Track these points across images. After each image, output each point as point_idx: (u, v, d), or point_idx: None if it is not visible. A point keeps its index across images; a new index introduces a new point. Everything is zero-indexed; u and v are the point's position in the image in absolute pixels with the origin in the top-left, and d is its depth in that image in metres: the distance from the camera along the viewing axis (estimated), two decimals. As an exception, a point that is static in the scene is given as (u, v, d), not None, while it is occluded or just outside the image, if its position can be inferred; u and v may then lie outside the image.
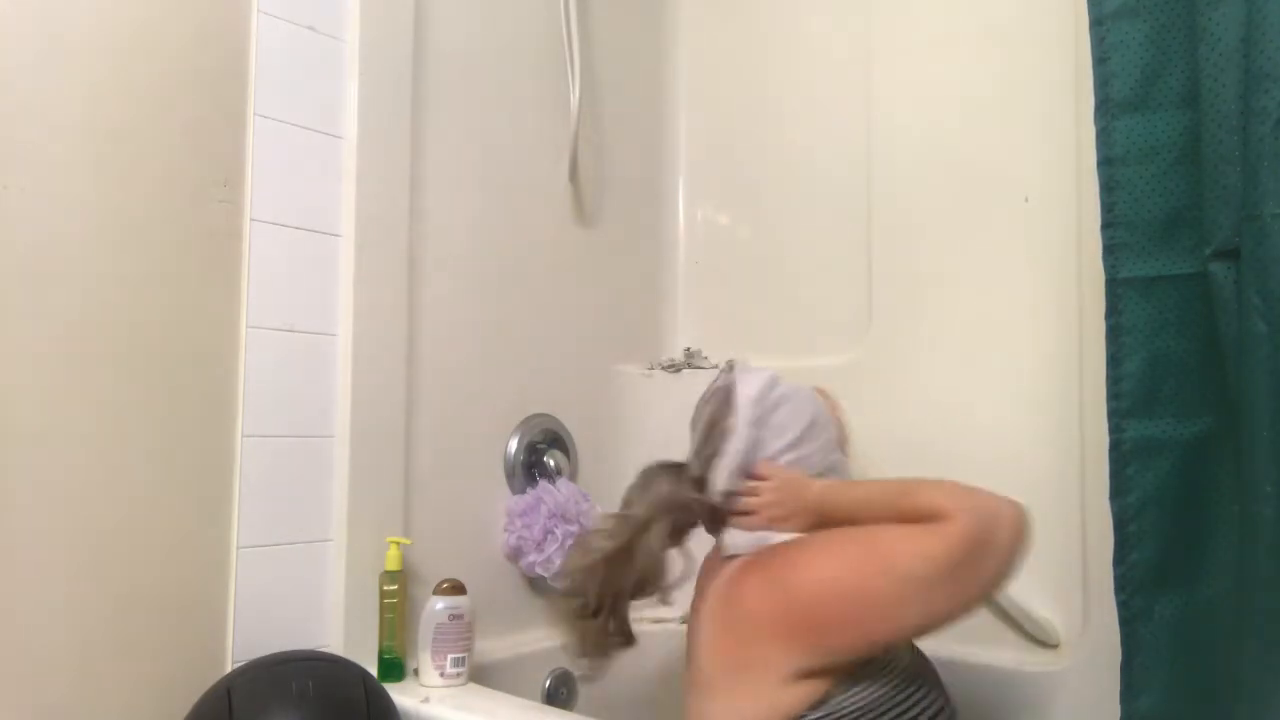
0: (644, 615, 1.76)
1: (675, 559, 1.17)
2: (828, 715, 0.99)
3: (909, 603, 0.97)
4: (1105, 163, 1.08)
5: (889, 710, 1.00)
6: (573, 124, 1.72)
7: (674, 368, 1.90)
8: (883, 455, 1.33)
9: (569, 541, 1.54)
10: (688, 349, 1.92)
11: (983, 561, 0.95)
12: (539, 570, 1.55)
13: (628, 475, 1.66)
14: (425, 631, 1.30)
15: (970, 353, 1.56)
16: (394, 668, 1.31)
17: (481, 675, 1.34)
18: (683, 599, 1.21)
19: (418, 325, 1.47)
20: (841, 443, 1.24)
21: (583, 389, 1.77)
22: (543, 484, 1.60)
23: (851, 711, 0.99)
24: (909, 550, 0.96)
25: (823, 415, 1.21)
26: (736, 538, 1.15)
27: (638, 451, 1.82)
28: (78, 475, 1.11)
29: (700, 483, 1.17)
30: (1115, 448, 1.09)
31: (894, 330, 1.66)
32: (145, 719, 1.15)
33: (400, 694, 1.24)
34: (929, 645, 1.13)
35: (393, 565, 1.34)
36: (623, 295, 1.88)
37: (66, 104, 1.13)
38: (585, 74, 1.73)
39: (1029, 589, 1.44)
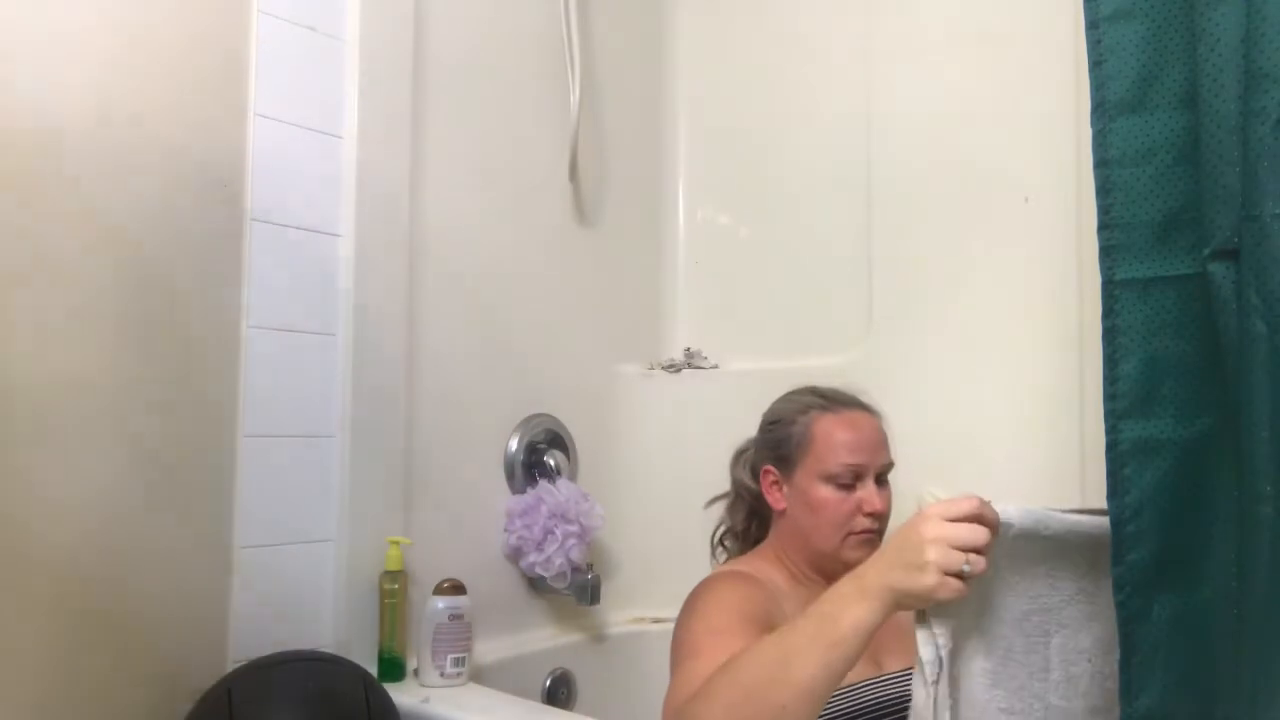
0: (644, 615, 1.77)
1: None
2: None
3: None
4: (1101, 164, 1.08)
5: None
6: (573, 124, 1.72)
7: (674, 368, 1.90)
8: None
9: (569, 541, 1.54)
10: (688, 349, 1.92)
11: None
12: (539, 570, 1.55)
13: (628, 475, 1.66)
14: (425, 631, 1.30)
15: (970, 353, 1.56)
16: (394, 668, 1.32)
17: (481, 675, 1.34)
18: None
19: (418, 325, 1.47)
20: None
21: (583, 389, 1.77)
22: (543, 484, 1.60)
23: None
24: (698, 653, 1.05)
25: None
26: None
27: (638, 451, 1.84)
28: (77, 475, 1.12)
29: None
30: (1112, 448, 1.08)
31: (894, 330, 1.66)
32: (145, 719, 1.15)
33: (400, 694, 1.24)
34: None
35: (393, 565, 1.34)
36: (623, 295, 1.88)
37: (66, 103, 1.13)
38: (585, 74, 1.73)
39: (1028, 589, 1.45)
